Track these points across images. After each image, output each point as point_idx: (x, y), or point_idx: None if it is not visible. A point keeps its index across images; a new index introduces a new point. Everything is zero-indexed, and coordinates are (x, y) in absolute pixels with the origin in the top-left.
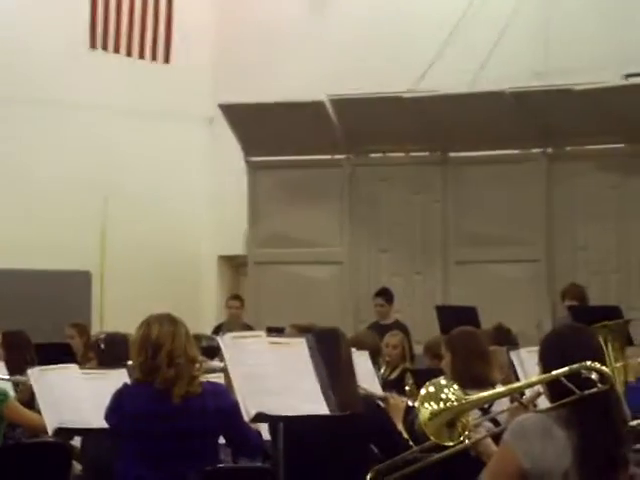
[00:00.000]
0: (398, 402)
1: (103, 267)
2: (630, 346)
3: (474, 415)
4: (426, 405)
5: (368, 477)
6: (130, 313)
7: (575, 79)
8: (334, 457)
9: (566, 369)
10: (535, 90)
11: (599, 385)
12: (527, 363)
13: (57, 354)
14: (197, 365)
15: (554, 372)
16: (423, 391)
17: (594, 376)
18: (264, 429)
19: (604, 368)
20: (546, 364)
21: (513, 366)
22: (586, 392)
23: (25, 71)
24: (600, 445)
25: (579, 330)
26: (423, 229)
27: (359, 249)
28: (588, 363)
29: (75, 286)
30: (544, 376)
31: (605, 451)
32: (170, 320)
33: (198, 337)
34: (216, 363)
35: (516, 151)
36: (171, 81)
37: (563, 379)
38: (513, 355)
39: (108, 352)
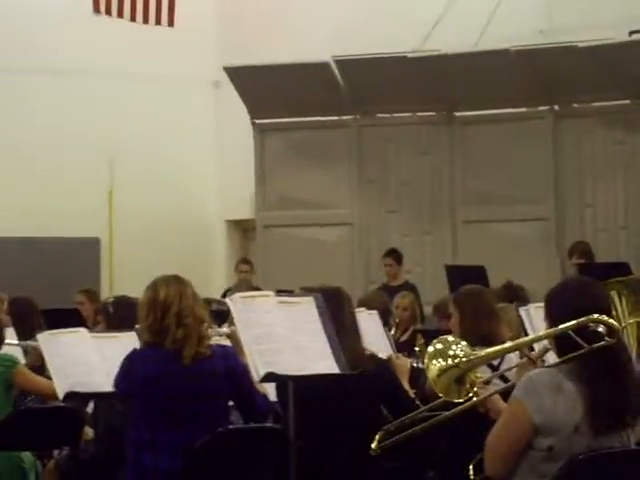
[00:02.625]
0: (404, 362)
1: (111, 233)
2: None
3: (483, 372)
4: (434, 362)
5: (377, 437)
6: (139, 278)
7: (579, 37)
8: (344, 416)
9: (573, 322)
10: (540, 48)
11: (607, 338)
12: (536, 319)
13: (67, 320)
14: (205, 325)
15: (561, 326)
16: (431, 348)
17: (601, 329)
18: (273, 389)
19: (611, 320)
20: (553, 318)
21: (522, 322)
22: (594, 345)
23: (28, 37)
24: (609, 397)
25: (584, 282)
26: (431, 189)
27: (368, 210)
28: (595, 315)
29: (84, 252)
30: (551, 330)
31: (614, 403)
32: (177, 281)
33: (208, 301)
34: (223, 329)
35: (522, 109)
36: (176, 45)
37: (570, 332)
38: (522, 311)
39: (117, 315)
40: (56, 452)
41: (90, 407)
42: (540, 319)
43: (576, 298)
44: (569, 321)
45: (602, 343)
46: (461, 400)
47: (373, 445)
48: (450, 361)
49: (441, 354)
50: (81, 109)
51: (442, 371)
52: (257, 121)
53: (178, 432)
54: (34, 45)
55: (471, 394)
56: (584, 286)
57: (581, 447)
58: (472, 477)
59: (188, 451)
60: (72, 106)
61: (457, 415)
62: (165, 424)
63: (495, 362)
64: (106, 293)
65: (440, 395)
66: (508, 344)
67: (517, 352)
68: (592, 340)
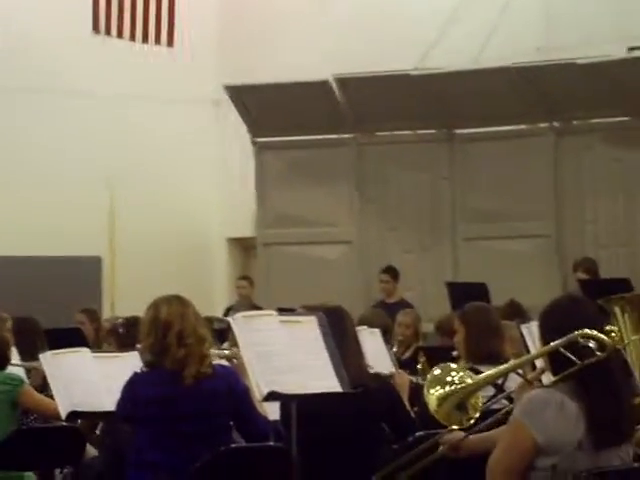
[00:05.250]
0: (404, 379)
1: (113, 252)
2: None
3: (487, 391)
4: (432, 391)
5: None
6: (141, 297)
7: (578, 54)
8: (347, 435)
9: (564, 339)
10: (539, 65)
11: (598, 353)
12: (538, 336)
13: (68, 339)
14: (207, 344)
15: (552, 343)
16: (429, 376)
17: (592, 344)
18: (275, 408)
19: (601, 335)
20: (546, 337)
21: (524, 340)
22: (585, 361)
23: (28, 58)
24: (609, 413)
25: (575, 300)
26: (432, 206)
27: (368, 228)
28: (585, 331)
29: (86, 271)
30: (543, 349)
31: (614, 418)
32: (178, 300)
33: (209, 319)
34: (224, 352)
35: (522, 126)
36: (175, 64)
37: (562, 349)
38: (524, 329)
39: (128, 336)
40: (57, 471)
41: (98, 429)
42: None
43: (567, 316)
44: (561, 339)
45: (594, 359)
46: (464, 426)
47: None
48: (448, 388)
49: (439, 381)
50: (82, 129)
51: (442, 399)
52: (257, 139)
53: (181, 452)
54: (34, 66)
55: (472, 420)
56: (575, 304)
57: (584, 464)
58: None
59: (191, 471)
60: (72, 126)
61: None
62: (168, 445)
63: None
64: (108, 312)
65: (442, 424)
66: (505, 366)
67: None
68: (584, 356)
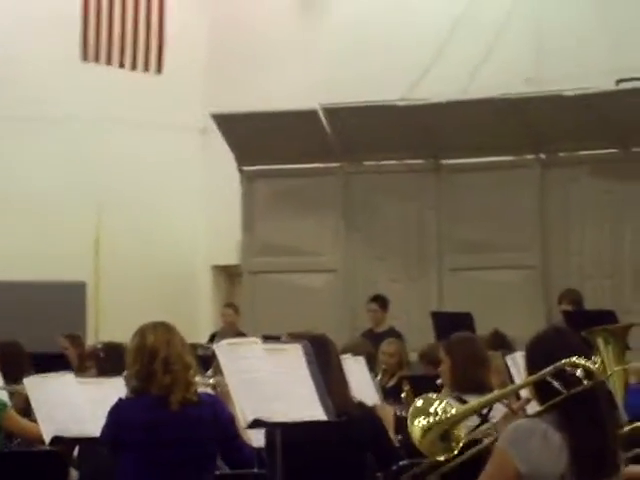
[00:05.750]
0: (387, 411)
1: (98, 277)
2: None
3: (472, 422)
4: (416, 422)
5: None
6: (125, 323)
7: (567, 86)
8: (331, 464)
9: (551, 368)
10: (527, 96)
11: (585, 382)
12: (523, 367)
13: (52, 364)
14: (192, 372)
15: (540, 372)
16: (412, 408)
17: (579, 373)
18: (259, 435)
19: (588, 364)
20: (532, 367)
21: (509, 370)
22: (573, 390)
23: (13, 84)
24: (593, 445)
25: (562, 332)
26: (418, 236)
27: (354, 257)
28: (573, 359)
29: (70, 296)
30: (530, 378)
31: (598, 451)
32: (164, 327)
33: (194, 346)
34: (209, 380)
35: (510, 157)
36: (163, 91)
37: (549, 378)
38: (509, 359)
39: (107, 360)
40: None
41: (76, 451)
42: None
43: (553, 347)
44: (547, 368)
45: (581, 388)
46: (446, 458)
47: None
48: (432, 419)
49: (422, 412)
50: (68, 155)
51: (425, 430)
52: (244, 168)
53: (166, 479)
54: (20, 92)
55: (456, 450)
56: (559, 335)
57: None
58: None
59: None
60: (59, 152)
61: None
62: (153, 471)
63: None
64: (92, 337)
65: (426, 455)
66: (489, 396)
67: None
68: (571, 385)
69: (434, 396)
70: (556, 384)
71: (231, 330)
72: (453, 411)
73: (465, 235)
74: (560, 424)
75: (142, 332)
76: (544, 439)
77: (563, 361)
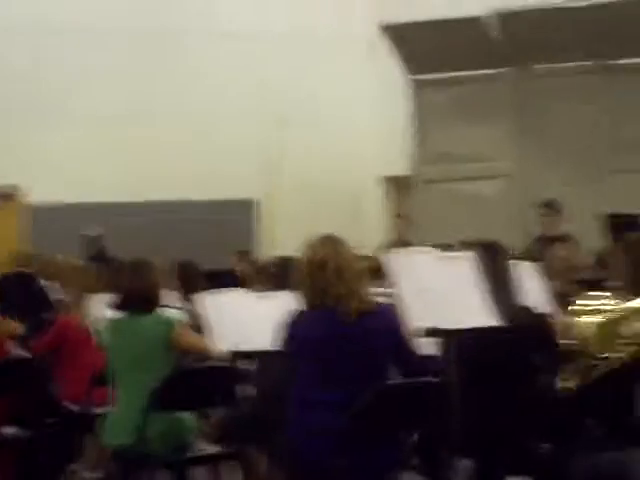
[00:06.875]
0: (565, 320)
1: (271, 194)
2: None
3: None
4: (590, 319)
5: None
6: (296, 237)
7: None
8: (504, 370)
9: None
10: None
11: None
12: None
13: (224, 281)
14: (365, 281)
15: None
16: (579, 305)
17: None
18: (430, 344)
19: None
20: None
21: None
22: None
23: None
24: None
25: None
26: (591, 139)
27: (527, 162)
28: None
29: (238, 214)
30: None
31: None
32: (332, 239)
33: (365, 257)
34: (379, 289)
35: None
36: (330, 4)
37: None
38: None
39: (279, 275)
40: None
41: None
42: None
43: None
44: None
45: None
46: (622, 355)
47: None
48: (607, 315)
49: (596, 311)
50: (238, 72)
51: (600, 326)
52: (414, 77)
53: (342, 391)
54: (192, 6)
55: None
56: None
57: None
58: None
59: (353, 408)
60: (229, 69)
61: None
62: (330, 384)
63: None
64: (267, 252)
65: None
66: None
67: None
68: None
69: (609, 295)
70: None
71: (401, 241)
72: (629, 305)
73: (632, 135)
74: None
75: (310, 247)
76: None
77: None
